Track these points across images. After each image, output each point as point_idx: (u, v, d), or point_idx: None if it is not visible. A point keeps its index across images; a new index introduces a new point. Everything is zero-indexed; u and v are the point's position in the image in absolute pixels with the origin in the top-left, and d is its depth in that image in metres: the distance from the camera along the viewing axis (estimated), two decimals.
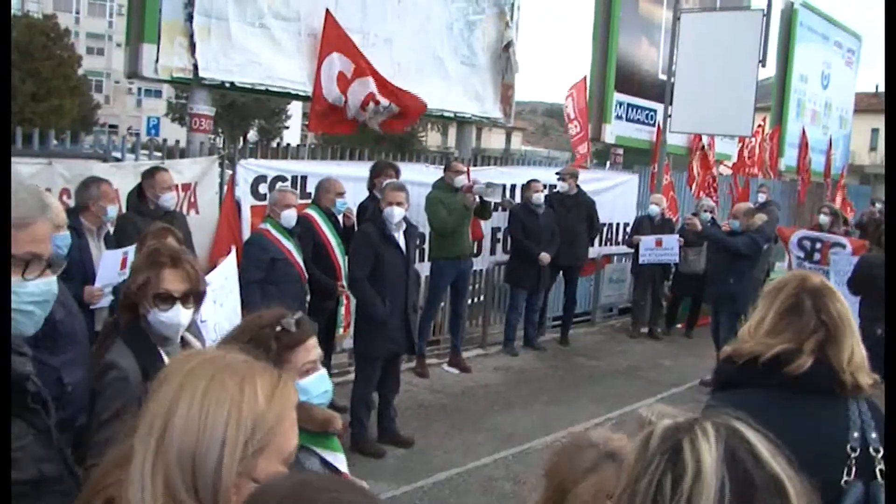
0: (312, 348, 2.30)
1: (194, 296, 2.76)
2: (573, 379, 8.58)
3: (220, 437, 1.24)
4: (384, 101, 7.97)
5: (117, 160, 6.65)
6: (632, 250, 10.58)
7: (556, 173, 9.86)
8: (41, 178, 5.57)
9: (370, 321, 6.14)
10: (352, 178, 7.44)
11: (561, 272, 9.78)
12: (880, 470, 2.18)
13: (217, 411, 1.25)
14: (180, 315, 2.71)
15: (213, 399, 1.26)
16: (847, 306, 2.37)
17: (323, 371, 2.34)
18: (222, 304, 4.38)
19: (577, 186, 9.69)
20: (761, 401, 2.28)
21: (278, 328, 2.21)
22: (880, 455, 2.19)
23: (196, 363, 1.33)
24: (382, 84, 7.94)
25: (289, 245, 6.13)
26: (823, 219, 10.14)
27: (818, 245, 9.78)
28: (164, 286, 2.69)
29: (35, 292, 1.74)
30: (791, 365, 2.26)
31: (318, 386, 2.31)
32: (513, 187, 9.62)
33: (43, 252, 1.71)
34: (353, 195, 7.31)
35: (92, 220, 5.28)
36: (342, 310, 6.85)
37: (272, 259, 5.99)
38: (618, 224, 11.05)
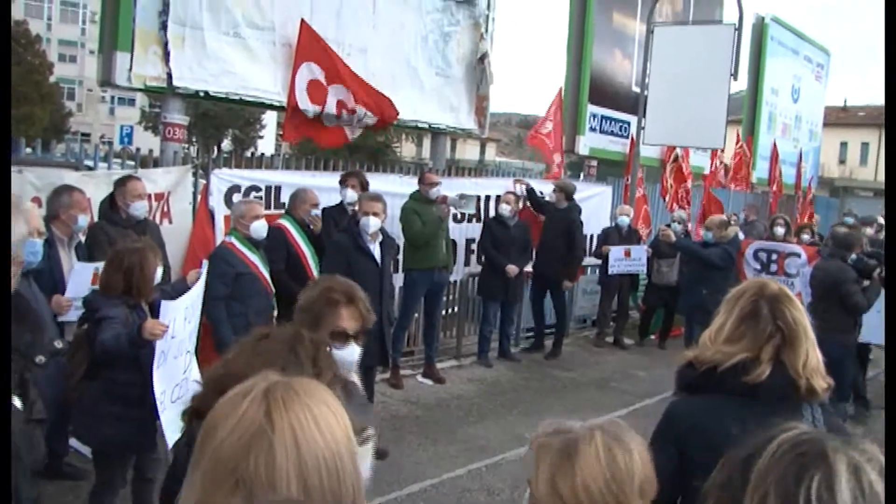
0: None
1: (363, 333, 2.78)
2: (547, 390, 8.59)
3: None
4: (360, 110, 8.00)
5: (90, 169, 6.59)
6: (600, 261, 10.63)
7: (553, 185, 9.90)
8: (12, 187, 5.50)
9: None
10: (325, 189, 7.43)
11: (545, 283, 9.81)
12: None
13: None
14: (354, 352, 2.74)
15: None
16: (803, 312, 2.44)
17: None
18: (190, 320, 4.34)
19: (569, 201, 9.71)
20: (720, 405, 2.39)
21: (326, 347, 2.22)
22: None
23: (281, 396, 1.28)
24: (357, 90, 7.95)
25: (254, 258, 5.95)
26: (779, 230, 10.33)
27: (774, 256, 9.95)
28: (340, 324, 2.71)
29: None
30: (750, 374, 2.33)
31: None
32: (486, 198, 9.65)
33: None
34: (327, 205, 7.30)
35: (62, 229, 5.22)
36: None
37: (237, 273, 5.81)
38: (591, 235, 11.10)
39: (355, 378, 2.82)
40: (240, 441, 1.21)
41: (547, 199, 9.84)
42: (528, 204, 9.81)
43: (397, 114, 8.41)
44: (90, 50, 53.43)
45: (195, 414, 2.08)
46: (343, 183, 7.37)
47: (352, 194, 7.23)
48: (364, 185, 7.39)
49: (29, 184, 5.69)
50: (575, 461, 1.70)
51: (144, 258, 4.24)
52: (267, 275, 6.07)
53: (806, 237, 10.64)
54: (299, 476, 1.20)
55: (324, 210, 7.20)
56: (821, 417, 2.34)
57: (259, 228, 5.97)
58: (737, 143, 15.95)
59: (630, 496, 1.68)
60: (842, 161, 46.28)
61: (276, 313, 6.35)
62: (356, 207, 6.88)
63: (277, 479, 1.19)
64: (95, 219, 5.73)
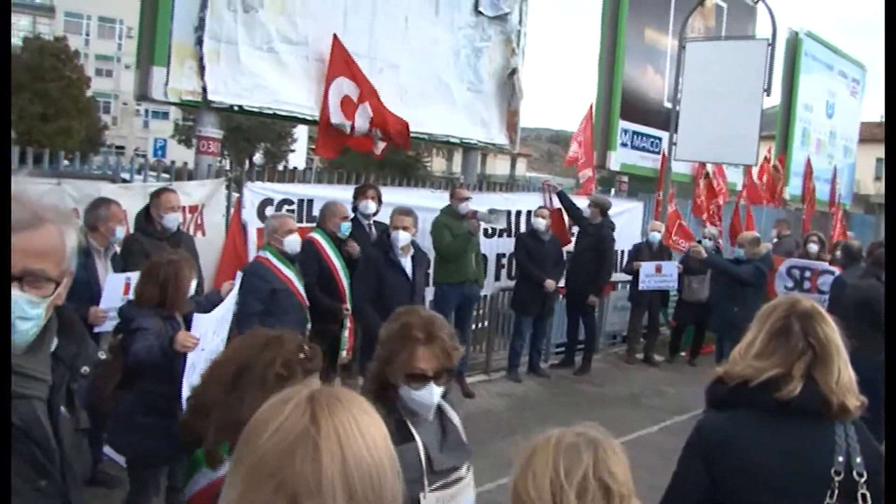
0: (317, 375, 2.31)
1: (447, 372, 2.55)
2: (576, 406, 8.55)
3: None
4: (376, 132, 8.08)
5: (125, 181, 6.69)
6: (630, 277, 10.57)
7: (589, 199, 9.87)
8: (50, 198, 5.58)
9: (374, 344, 6.11)
10: None
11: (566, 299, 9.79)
12: (862, 494, 2.21)
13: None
14: (433, 394, 2.51)
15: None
16: (836, 329, 2.40)
17: None
18: (218, 333, 4.38)
19: (603, 217, 9.69)
20: (751, 421, 2.36)
21: (301, 355, 2.20)
22: (863, 480, 2.22)
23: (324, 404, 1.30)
24: (376, 111, 8.01)
25: (289, 273, 5.94)
26: (812, 247, 10.19)
27: (807, 273, 9.84)
28: (417, 365, 2.49)
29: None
30: (781, 390, 2.30)
31: None
32: (518, 213, 9.66)
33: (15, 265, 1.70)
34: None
35: (100, 240, 5.31)
36: (346, 333, 6.85)
37: (273, 289, 5.80)
38: (622, 251, 11.04)
39: (455, 419, 2.74)
40: (284, 444, 1.22)
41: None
42: (563, 211, 9.78)
43: (407, 130, 8.39)
44: (126, 65, 54.27)
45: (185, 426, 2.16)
46: (362, 195, 7.34)
47: (371, 205, 7.26)
48: (379, 198, 7.41)
49: (68, 195, 5.80)
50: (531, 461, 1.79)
51: (179, 271, 4.30)
52: (302, 289, 6.07)
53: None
54: (344, 481, 1.21)
55: None
56: (854, 436, 2.31)
57: (293, 243, 5.97)
58: (765, 160, 15.79)
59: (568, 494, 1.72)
60: (878, 178, 45.52)
61: (309, 326, 6.39)
62: (371, 220, 6.91)
63: (324, 482, 1.20)
64: (131, 230, 5.82)
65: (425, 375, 2.48)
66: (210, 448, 2.10)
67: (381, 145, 8.36)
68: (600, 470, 1.75)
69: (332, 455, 1.22)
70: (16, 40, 44.31)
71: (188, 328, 4.13)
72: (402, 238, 6.16)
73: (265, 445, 1.23)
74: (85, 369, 1.96)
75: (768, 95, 11.16)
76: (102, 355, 2.06)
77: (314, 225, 7.02)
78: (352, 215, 7.07)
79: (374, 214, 7.30)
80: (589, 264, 9.57)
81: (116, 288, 5.00)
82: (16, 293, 1.69)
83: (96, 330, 4.96)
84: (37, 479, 1.79)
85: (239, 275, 5.84)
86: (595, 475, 1.74)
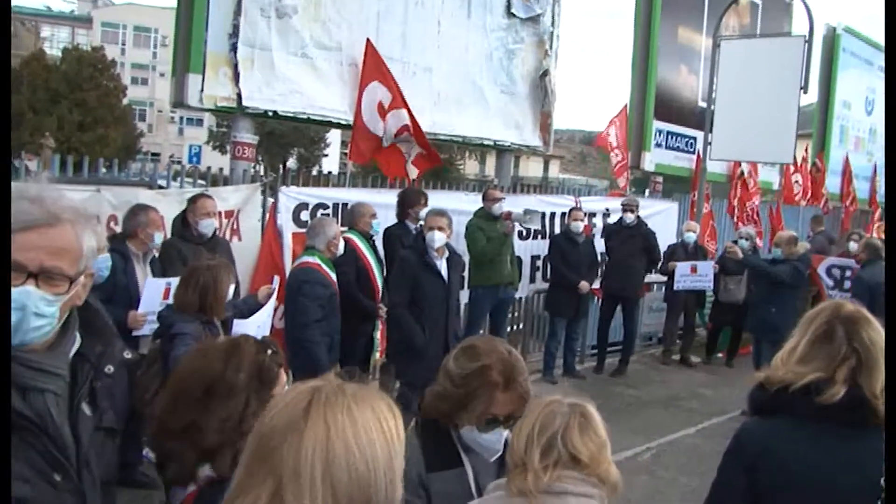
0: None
1: (516, 418, 2.37)
2: (612, 408, 8.47)
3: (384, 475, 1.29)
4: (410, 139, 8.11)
5: (161, 188, 6.77)
6: (666, 278, 10.49)
7: (623, 203, 9.76)
8: (90, 205, 5.68)
9: (410, 348, 6.14)
10: (391, 206, 7.48)
11: (619, 302, 9.73)
12: None
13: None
14: (502, 439, 2.40)
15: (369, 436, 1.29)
16: (882, 334, 2.32)
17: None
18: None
19: (638, 217, 9.66)
20: (793, 429, 2.30)
21: (270, 351, 2.19)
22: None
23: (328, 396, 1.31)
24: (412, 120, 8.05)
25: (335, 277, 6.02)
26: (853, 246, 9.99)
27: (847, 273, 9.66)
28: (492, 411, 2.38)
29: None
30: (823, 395, 2.22)
31: None
32: (552, 215, 9.62)
33: (23, 261, 1.72)
34: (390, 222, 7.36)
35: (139, 245, 5.37)
36: (378, 334, 6.87)
37: (330, 294, 5.87)
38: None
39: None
40: (277, 431, 1.26)
41: (613, 217, 9.78)
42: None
43: (438, 161, 8.41)
44: (161, 73, 55.03)
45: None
46: (414, 205, 7.29)
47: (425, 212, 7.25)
48: (426, 205, 7.39)
49: (106, 202, 5.89)
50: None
51: (218, 276, 4.33)
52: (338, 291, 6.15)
53: None
54: (325, 469, 1.22)
55: (387, 230, 7.26)
56: None
57: (341, 246, 6.08)
58: (802, 159, 15.55)
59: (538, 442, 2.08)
60: None
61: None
62: (418, 225, 6.92)
63: (304, 468, 1.22)
64: (168, 236, 5.89)
65: (496, 420, 2.39)
66: (176, 473, 2.07)
67: (414, 172, 8.38)
68: (568, 436, 2.07)
69: (315, 442, 1.23)
70: (55, 51, 45.19)
71: (227, 333, 4.16)
72: (438, 239, 6.14)
73: (263, 430, 1.27)
74: (109, 368, 1.98)
75: (805, 93, 11.00)
76: (128, 355, 2.08)
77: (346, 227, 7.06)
78: (386, 220, 7.09)
79: None
80: (638, 265, 9.58)
81: (156, 292, 5.06)
82: (32, 290, 1.71)
83: (135, 334, 5.02)
84: (51, 473, 1.80)
85: (276, 279, 5.90)
86: (562, 439, 2.07)
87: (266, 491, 1.22)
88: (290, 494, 1.21)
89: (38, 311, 1.73)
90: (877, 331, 2.33)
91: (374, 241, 6.91)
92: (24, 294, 1.71)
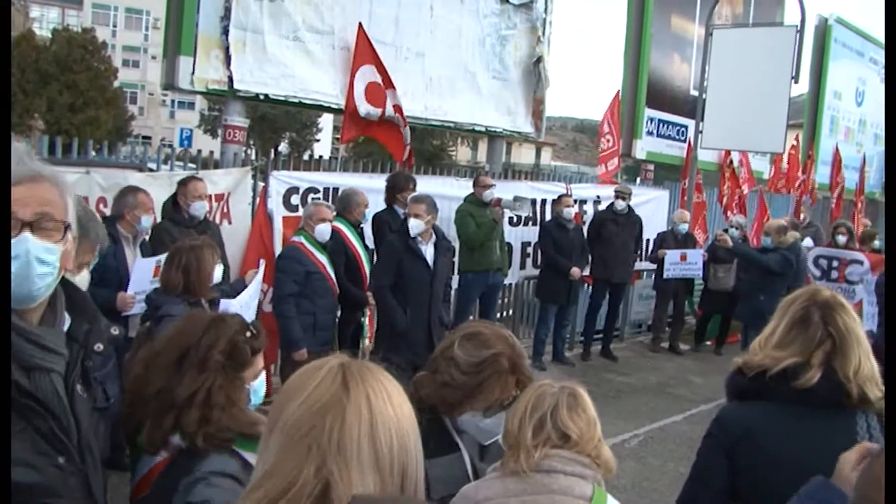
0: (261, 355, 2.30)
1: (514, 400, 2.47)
2: (601, 394, 8.51)
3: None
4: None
5: (152, 171, 6.75)
6: (655, 266, 10.53)
7: (616, 191, 9.80)
8: (79, 186, 5.67)
9: (392, 331, 6.17)
10: (382, 191, 7.46)
11: (609, 288, 9.80)
12: None
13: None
14: (502, 423, 2.40)
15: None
16: (857, 319, 2.38)
17: (263, 374, 2.35)
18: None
19: (628, 204, 9.71)
20: (771, 413, 2.35)
21: (247, 334, 2.20)
22: None
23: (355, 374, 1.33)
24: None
25: (322, 259, 6.09)
26: (840, 238, 10.04)
27: (835, 263, 9.71)
28: (503, 396, 2.45)
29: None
30: (799, 379, 2.28)
31: (262, 389, 2.32)
32: (543, 202, 9.64)
33: (16, 212, 1.73)
34: (380, 207, 7.33)
35: (128, 228, 5.35)
36: (366, 321, 6.88)
37: (307, 272, 5.96)
38: (648, 240, 11.00)
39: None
40: (316, 407, 1.26)
41: (605, 205, 9.82)
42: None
43: (406, 149, 8.40)
44: (152, 55, 54.73)
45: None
46: (403, 190, 7.22)
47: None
48: (414, 189, 7.37)
49: (96, 184, 5.88)
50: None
51: (201, 255, 4.30)
52: (333, 275, 6.20)
53: (878, 243, 10.34)
54: (371, 444, 1.25)
55: (375, 215, 7.21)
56: (876, 426, 2.28)
57: (322, 231, 6.08)
58: (792, 147, 15.58)
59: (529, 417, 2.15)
60: None
61: (339, 313, 6.45)
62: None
63: (350, 444, 1.24)
64: (159, 219, 5.87)
65: (503, 405, 2.41)
66: (150, 435, 2.07)
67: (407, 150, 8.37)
68: (557, 415, 2.13)
69: (360, 418, 1.25)
70: (45, 32, 44.83)
71: None
72: (414, 225, 6.12)
73: (298, 410, 1.27)
74: (99, 346, 1.99)
75: (796, 83, 11.04)
76: (115, 331, 2.08)
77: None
78: (377, 205, 7.08)
79: None
80: (631, 252, 9.74)
81: (146, 272, 5.04)
82: (31, 237, 1.73)
83: (125, 314, 5.02)
84: (55, 456, 1.81)
85: (262, 262, 5.92)
86: (552, 417, 2.13)
87: (310, 467, 1.22)
88: (336, 469, 1.22)
89: (40, 256, 1.75)
90: (852, 317, 2.38)
91: (361, 229, 6.91)
92: (24, 241, 1.73)
